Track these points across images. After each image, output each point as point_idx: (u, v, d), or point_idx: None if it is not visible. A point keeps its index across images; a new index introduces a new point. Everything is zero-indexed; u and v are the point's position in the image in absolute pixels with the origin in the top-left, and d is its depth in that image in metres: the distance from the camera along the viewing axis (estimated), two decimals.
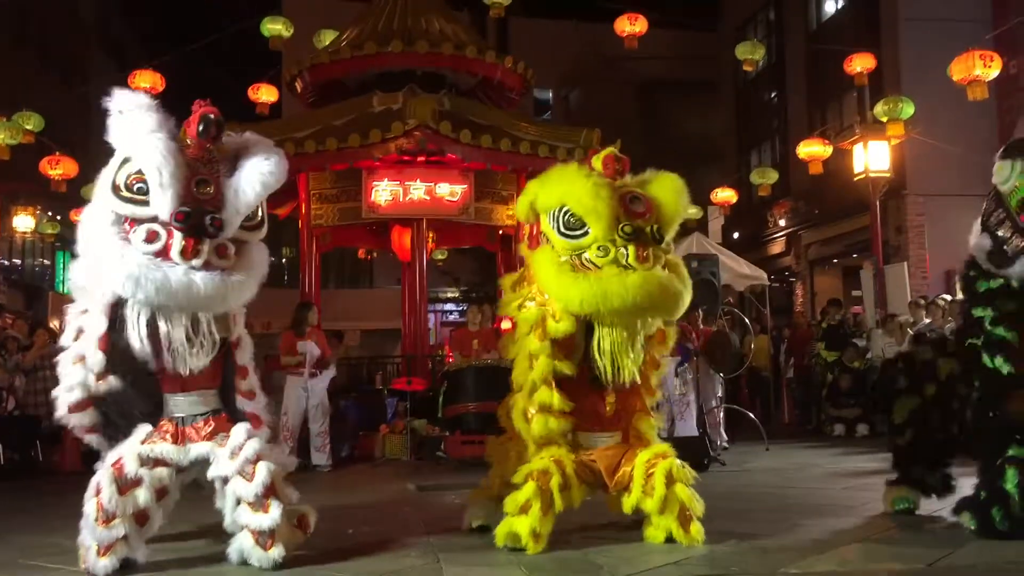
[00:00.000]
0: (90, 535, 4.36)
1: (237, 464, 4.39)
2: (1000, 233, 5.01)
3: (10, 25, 21.14)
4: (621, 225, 4.57)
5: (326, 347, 9.87)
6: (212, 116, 4.40)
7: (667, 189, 4.81)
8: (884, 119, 13.12)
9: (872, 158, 13.34)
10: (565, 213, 4.65)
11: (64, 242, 22.49)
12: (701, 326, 9.93)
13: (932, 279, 15.46)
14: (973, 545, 4.68)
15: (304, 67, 12.36)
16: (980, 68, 11.32)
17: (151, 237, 4.19)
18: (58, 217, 19.07)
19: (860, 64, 13.75)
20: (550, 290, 4.73)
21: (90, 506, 4.39)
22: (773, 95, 22.46)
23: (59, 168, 14.69)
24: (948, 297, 12.19)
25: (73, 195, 16.70)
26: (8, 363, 9.98)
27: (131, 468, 4.38)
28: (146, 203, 4.23)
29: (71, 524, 4.52)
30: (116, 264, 4.15)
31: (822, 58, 18.41)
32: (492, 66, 12.25)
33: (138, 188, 4.24)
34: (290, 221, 13.17)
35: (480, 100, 12.78)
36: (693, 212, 19.20)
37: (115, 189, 4.30)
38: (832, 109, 18.96)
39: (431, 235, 12.32)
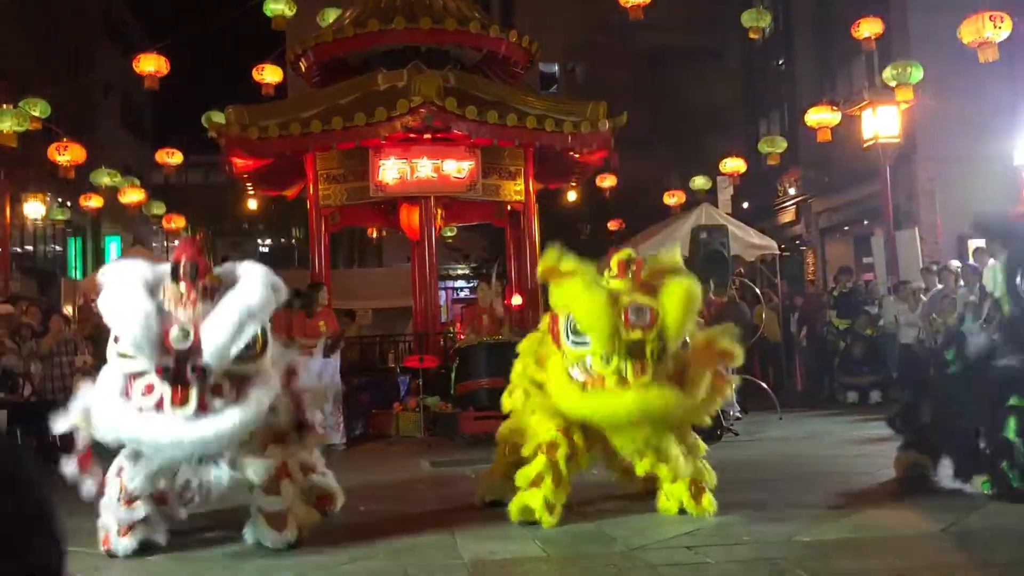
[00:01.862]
0: (111, 516, 4.42)
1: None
2: None
3: (14, 12, 21.11)
4: (621, 339, 4.56)
5: (335, 326, 9.91)
6: (187, 259, 4.48)
7: (674, 301, 4.66)
8: (893, 84, 12.98)
9: (881, 124, 13.24)
10: (571, 321, 4.72)
11: (75, 228, 22.60)
12: (712, 297, 9.91)
13: (944, 244, 15.35)
14: (985, 509, 4.69)
15: (307, 46, 12.29)
16: (990, 29, 11.16)
17: (148, 390, 4.32)
18: (68, 203, 19.14)
19: (868, 29, 13.59)
20: (552, 394, 4.84)
21: (112, 487, 4.46)
22: (781, 62, 22.27)
23: (67, 154, 14.70)
24: (959, 263, 12.11)
25: (82, 181, 16.77)
26: (23, 349, 10.05)
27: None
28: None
29: (89, 508, 4.57)
30: (116, 423, 4.34)
31: (830, 23, 18.23)
32: (496, 40, 12.15)
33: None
34: (299, 202, 13.18)
35: (485, 75, 12.69)
36: (702, 183, 19.15)
37: (118, 353, 4.48)
38: (841, 75, 18.80)
39: (439, 212, 12.28)
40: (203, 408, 4.24)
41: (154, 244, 28.27)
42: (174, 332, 4.29)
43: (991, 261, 5.48)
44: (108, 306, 4.45)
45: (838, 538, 4.24)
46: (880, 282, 13.93)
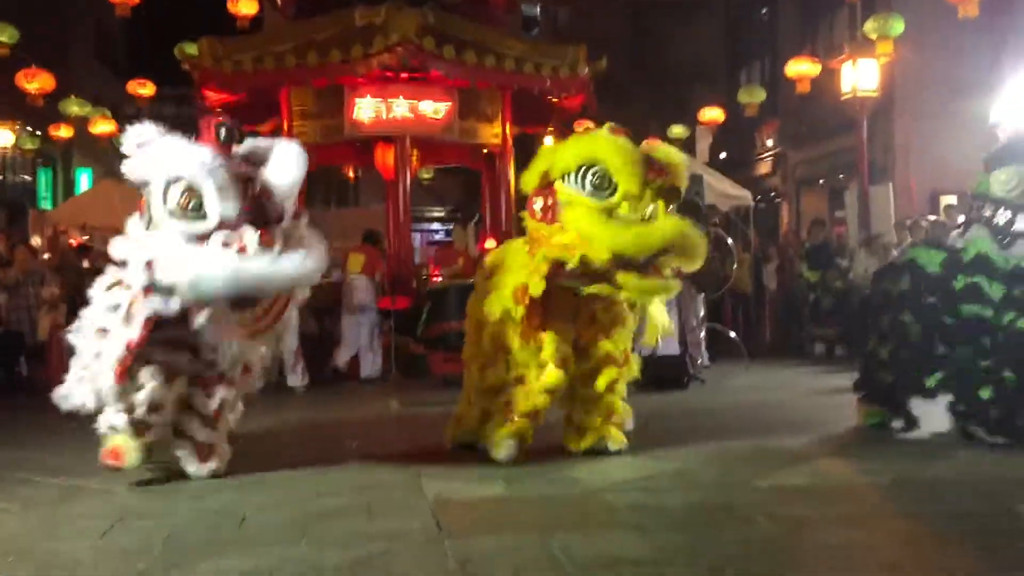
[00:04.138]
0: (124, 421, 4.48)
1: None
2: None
3: None
4: (650, 183, 4.67)
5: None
6: (229, 123, 4.53)
7: (675, 155, 4.87)
8: (874, 36, 12.93)
9: (860, 77, 13.19)
10: (594, 173, 4.71)
11: (45, 157, 22.20)
12: None
13: (918, 200, 15.44)
14: (937, 461, 4.81)
15: None
16: None
17: (226, 244, 4.21)
18: (38, 132, 18.76)
19: None
20: (590, 235, 4.73)
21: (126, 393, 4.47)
22: (764, 11, 22.06)
23: (36, 82, 14.40)
24: (932, 217, 12.21)
25: (52, 110, 16.44)
26: None
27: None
28: (203, 217, 4.25)
29: (56, 439, 4.59)
30: (209, 265, 4.16)
31: None
32: None
33: (192, 206, 4.26)
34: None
35: (465, 15, 12.52)
36: (680, 132, 19.09)
37: (172, 214, 4.31)
38: (823, 27, 18.64)
39: (415, 153, 12.19)
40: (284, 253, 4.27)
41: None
42: (243, 179, 4.35)
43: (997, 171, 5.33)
44: (171, 156, 4.33)
45: (795, 484, 4.34)
46: (851, 235, 14.02)
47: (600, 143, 4.81)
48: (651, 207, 4.69)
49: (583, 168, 4.73)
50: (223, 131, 4.45)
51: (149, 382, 4.39)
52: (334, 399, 8.83)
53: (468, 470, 4.79)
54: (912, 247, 5.98)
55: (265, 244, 4.20)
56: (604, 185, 4.69)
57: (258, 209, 4.29)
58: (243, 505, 4.12)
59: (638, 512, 3.86)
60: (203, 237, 4.24)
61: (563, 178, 4.79)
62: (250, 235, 4.20)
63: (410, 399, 8.27)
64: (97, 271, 5.00)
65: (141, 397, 4.39)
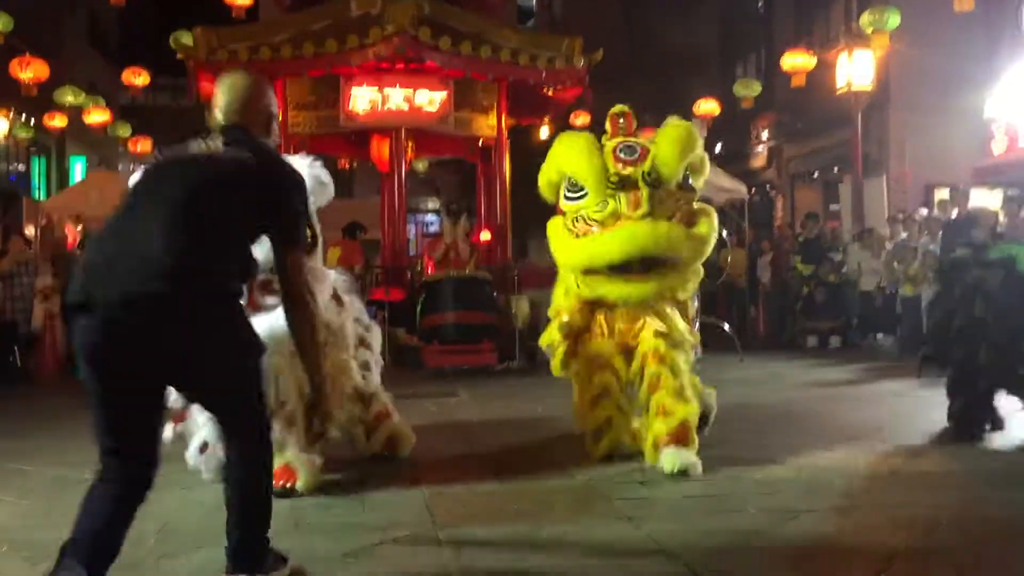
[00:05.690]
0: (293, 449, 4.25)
1: None
2: None
3: None
4: (609, 176, 4.54)
5: None
6: None
7: (667, 137, 4.70)
8: (869, 30, 12.94)
9: (855, 71, 13.21)
10: (567, 179, 4.71)
11: (40, 147, 22.12)
12: None
13: (911, 194, 15.47)
14: (933, 454, 4.83)
15: None
16: None
17: None
18: (32, 121, 18.67)
19: None
20: (557, 257, 4.81)
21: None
22: (760, 4, 22.04)
23: (30, 71, 14.32)
24: (925, 211, 12.24)
25: (46, 99, 16.37)
26: None
27: None
28: None
29: (48, 427, 4.58)
30: None
31: None
32: None
33: None
34: None
35: (461, 6, 12.48)
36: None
37: None
38: (819, 20, 18.64)
39: (410, 145, 12.17)
40: (252, 306, 3.82)
41: (120, 167, 27.74)
42: None
43: None
44: None
45: (787, 476, 4.35)
46: (845, 229, 14.05)
47: (560, 148, 4.77)
48: (619, 200, 4.46)
49: (562, 176, 4.75)
50: None
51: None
52: None
53: (462, 463, 4.81)
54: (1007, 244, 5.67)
55: None
56: (577, 188, 4.64)
57: None
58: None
59: (633, 503, 3.88)
60: None
61: (560, 186, 4.81)
62: None
63: (402, 391, 8.25)
64: None
65: None
